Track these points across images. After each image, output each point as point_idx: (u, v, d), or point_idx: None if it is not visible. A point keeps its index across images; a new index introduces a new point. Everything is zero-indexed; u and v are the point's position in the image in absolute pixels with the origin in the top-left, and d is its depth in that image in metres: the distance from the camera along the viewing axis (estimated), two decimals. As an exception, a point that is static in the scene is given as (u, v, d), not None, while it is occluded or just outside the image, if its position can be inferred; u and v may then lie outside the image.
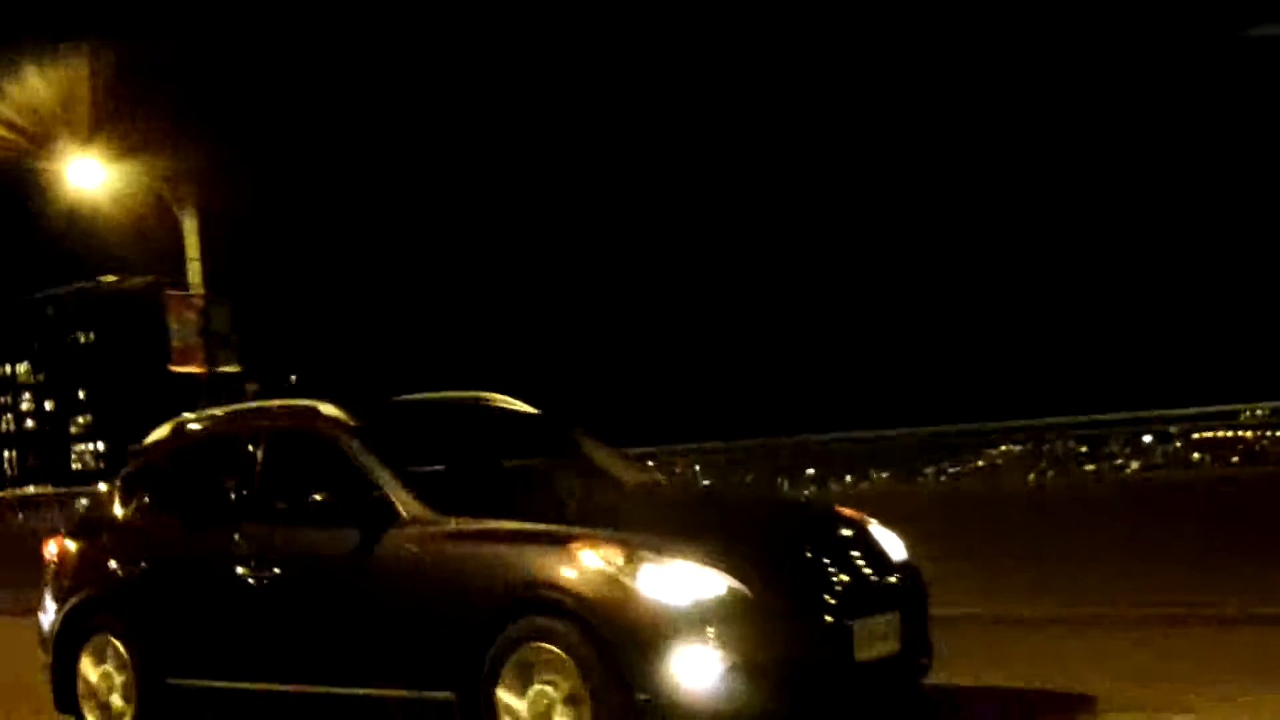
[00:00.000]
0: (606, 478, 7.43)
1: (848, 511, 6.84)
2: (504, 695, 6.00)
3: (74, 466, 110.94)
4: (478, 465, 7.19)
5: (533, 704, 5.93)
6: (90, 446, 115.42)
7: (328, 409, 7.13)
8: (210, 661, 7.12)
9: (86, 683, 7.60)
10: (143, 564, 7.58)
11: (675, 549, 5.90)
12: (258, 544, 7.00)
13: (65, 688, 7.70)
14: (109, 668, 7.55)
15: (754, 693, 5.76)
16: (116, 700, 7.50)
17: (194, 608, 7.26)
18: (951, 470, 31.83)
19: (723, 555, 5.92)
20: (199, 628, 7.21)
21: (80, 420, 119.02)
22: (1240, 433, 30.91)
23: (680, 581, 5.79)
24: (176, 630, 7.29)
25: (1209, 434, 31.25)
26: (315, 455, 6.97)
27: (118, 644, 7.51)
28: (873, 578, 6.32)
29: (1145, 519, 11.80)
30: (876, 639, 6.14)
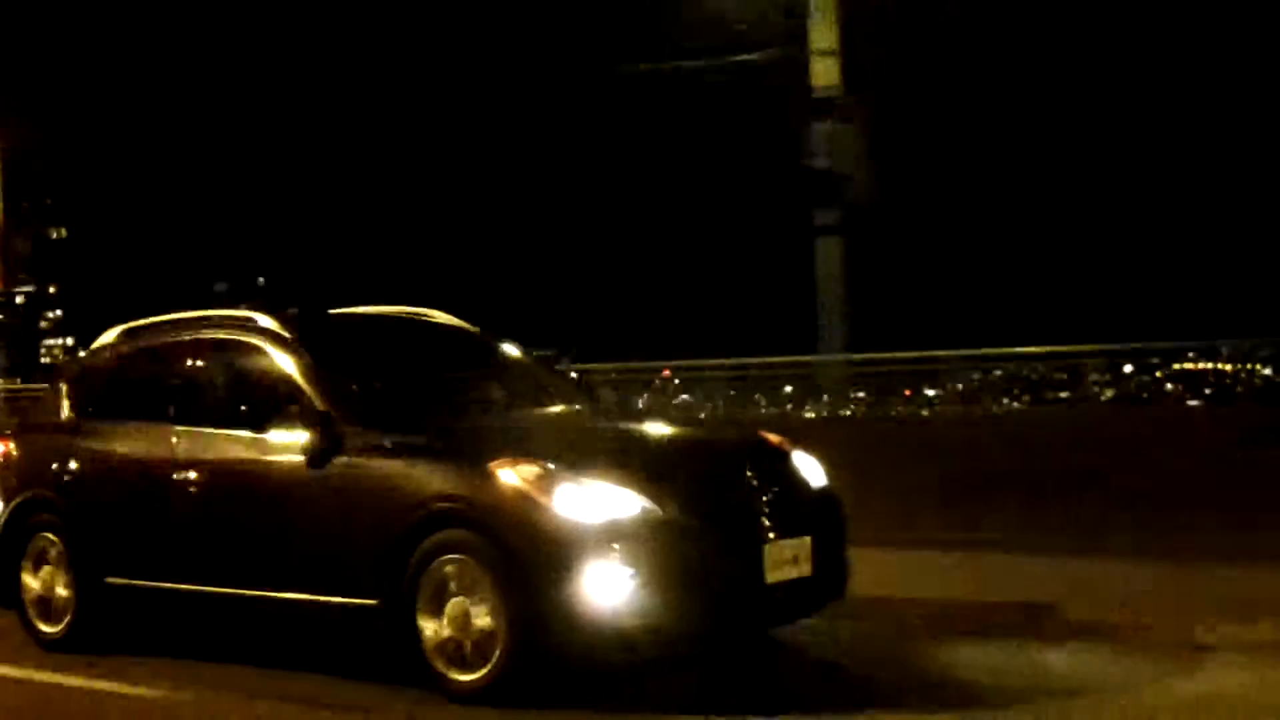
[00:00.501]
0: (536, 396, 7.77)
1: (771, 437, 7.19)
2: (423, 604, 6.36)
3: (43, 361, 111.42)
4: (410, 379, 7.52)
5: (450, 614, 6.29)
6: (60, 341, 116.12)
7: (263, 319, 7.45)
8: (146, 563, 7.48)
9: (29, 580, 7.95)
10: (84, 467, 7.91)
11: (591, 468, 6.25)
12: (193, 450, 7.34)
13: (9, 584, 8.05)
14: (50, 566, 7.90)
15: (664, 610, 6.12)
16: (58, 597, 7.86)
17: (131, 510, 7.61)
18: (931, 394, 32.27)
19: (638, 476, 6.27)
20: (136, 530, 7.56)
21: (50, 315, 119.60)
22: (1221, 365, 31.38)
23: (594, 500, 6.14)
24: (114, 532, 7.65)
25: (1189, 365, 31.71)
26: (250, 364, 7.30)
27: (59, 543, 7.86)
28: (787, 503, 6.67)
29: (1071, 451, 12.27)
30: (787, 562, 6.49)
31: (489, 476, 6.25)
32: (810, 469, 7.03)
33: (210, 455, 7.29)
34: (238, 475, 7.15)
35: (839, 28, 17.45)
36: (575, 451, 6.43)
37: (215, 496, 7.21)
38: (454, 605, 6.30)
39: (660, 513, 6.20)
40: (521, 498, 6.16)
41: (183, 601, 7.37)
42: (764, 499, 6.61)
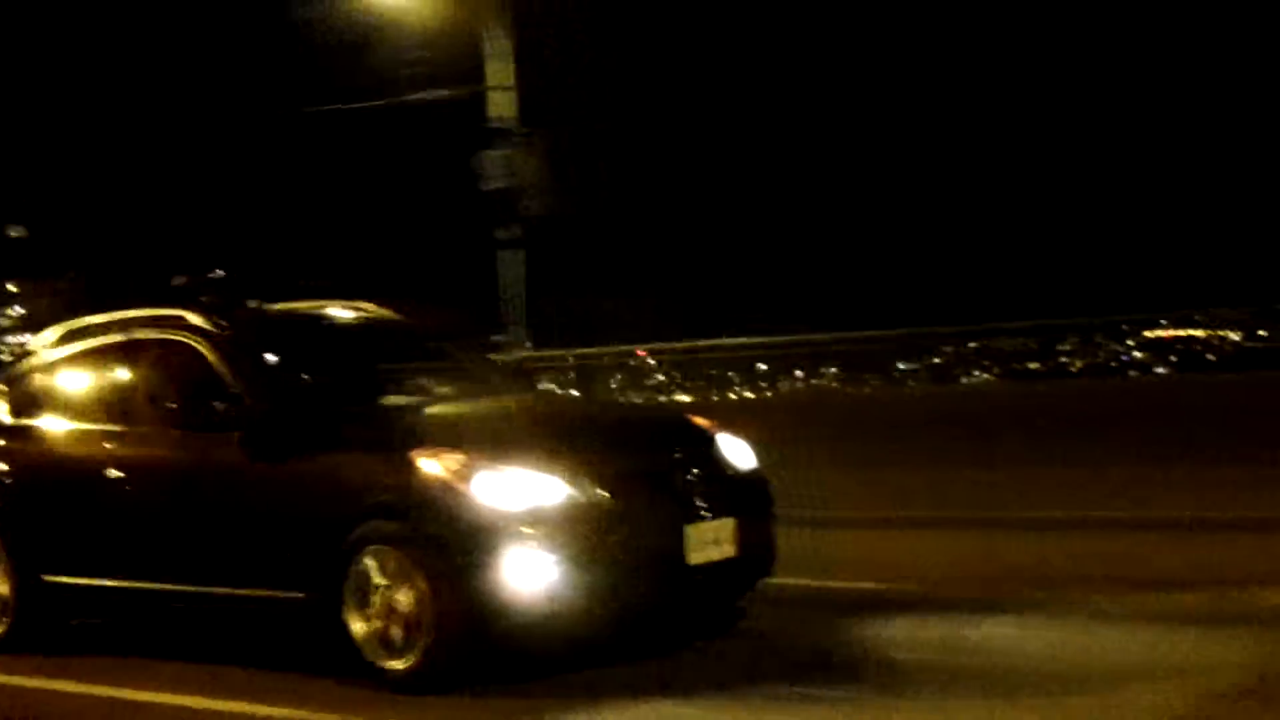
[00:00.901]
0: (468, 387, 7.99)
1: (698, 421, 7.41)
2: (353, 594, 6.58)
3: (3, 358, 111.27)
4: (340, 372, 7.72)
5: (379, 603, 6.51)
6: (22, 339, 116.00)
7: (194, 317, 7.65)
8: (81, 560, 7.69)
9: (-30, 579, 8.14)
10: (22, 467, 8.10)
11: (513, 456, 6.46)
12: (126, 448, 7.55)
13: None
14: (-8, 565, 8.09)
15: (586, 594, 6.36)
16: (0, 596, 8.06)
17: (67, 509, 7.81)
18: (903, 368, 32.61)
19: (561, 461, 6.49)
20: (72, 528, 7.77)
21: (10, 313, 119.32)
22: (1192, 331, 31.70)
23: (515, 487, 6.36)
24: (52, 530, 7.85)
25: (1162, 333, 32.05)
26: (181, 362, 7.50)
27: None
28: (711, 485, 6.89)
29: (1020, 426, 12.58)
30: (710, 544, 6.72)
31: (411, 466, 6.47)
32: (737, 451, 7.26)
33: (143, 452, 7.49)
34: (169, 471, 7.36)
35: (514, 65, 20.57)
36: (499, 439, 6.64)
37: (148, 493, 7.42)
38: (382, 594, 6.51)
39: (582, 497, 6.43)
40: (443, 486, 6.38)
41: (120, 598, 7.58)
42: (687, 481, 6.83)
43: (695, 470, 6.90)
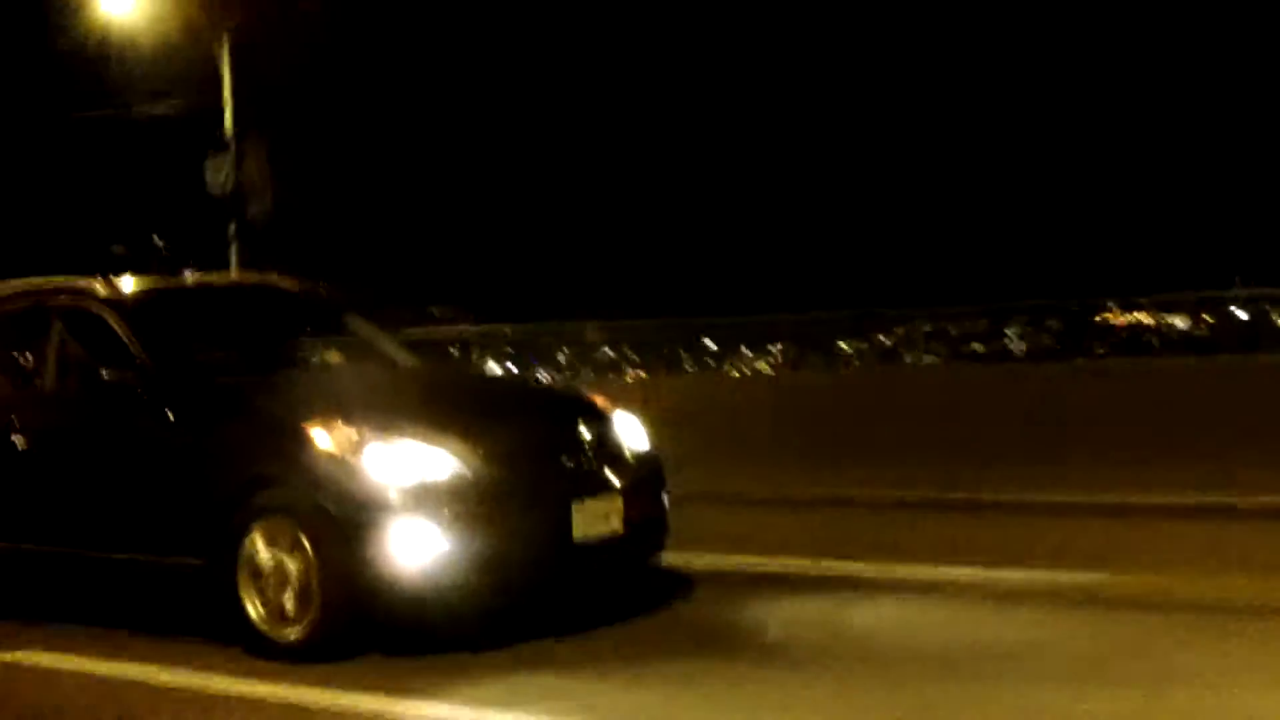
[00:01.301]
0: (367, 360, 8.22)
1: (592, 398, 7.65)
2: (245, 563, 6.80)
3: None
4: (244, 343, 7.93)
5: (271, 572, 6.73)
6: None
7: (102, 287, 7.84)
8: None
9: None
10: None
11: (404, 429, 6.69)
12: (30, 415, 7.74)
13: None
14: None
15: (472, 568, 6.60)
16: None
17: None
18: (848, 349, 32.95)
19: (450, 435, 6.73)
20: None
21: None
22: (1139, 316, 32.10)
23: (404, 461, 6.59)
24: None
25: (1110, 318, 32.44)
26: (87, 331, 7.70)
27: None
28: (599, 462, 7.14)
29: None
30: (597, 520, 6.97)
31: (303, 438, 6.69)
32: (630, 429, 7.50)
33: (47, 419, 7.69)
34: (72, 438, 7.56)
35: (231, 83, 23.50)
36: (391, 412, 6.86)
37: (52, 459, 7.61)
38: (274, 564, 6.73)
39: (469, 472, 6.66)
40: (332, 459, 6.60)
41: (25, 562, 7.77)
42: (576, 457, 7.06)
43: (585, 447, 7.14)
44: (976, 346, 30.54)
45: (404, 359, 8.21)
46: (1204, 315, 29.77)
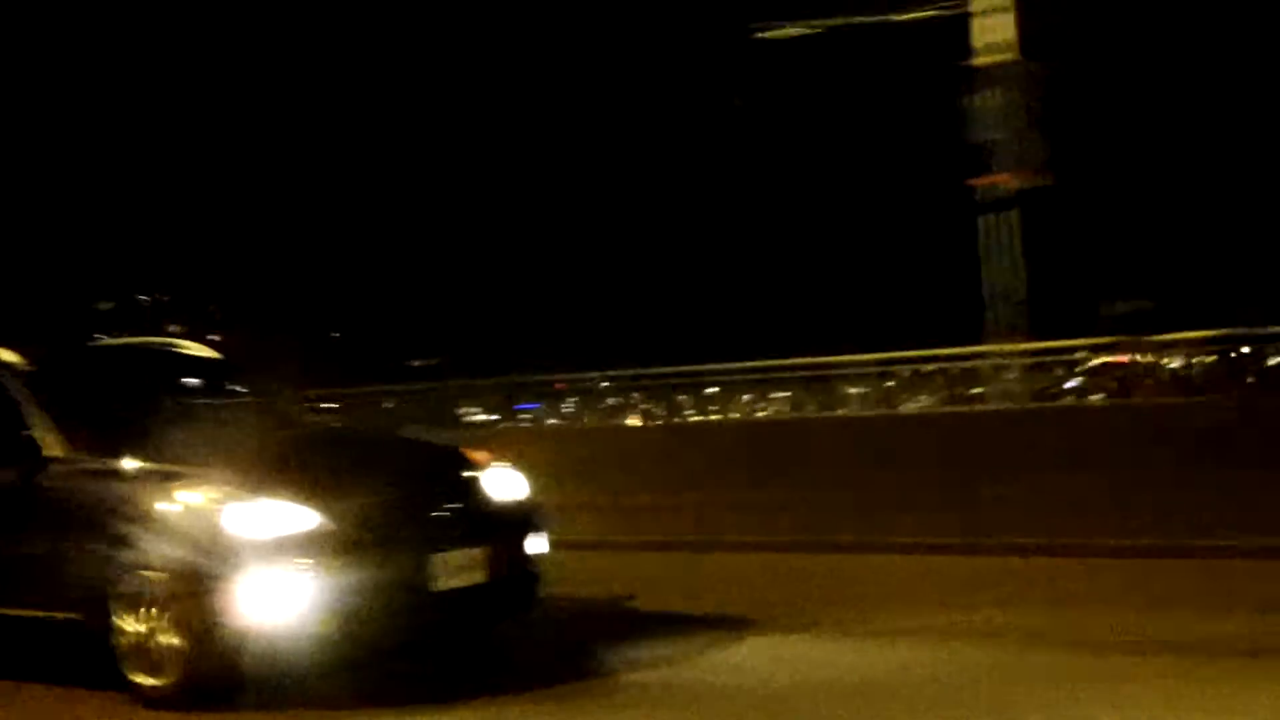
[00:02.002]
0: (249, 419, 8.65)
1: (468, 452, 8.07)
2: (118, 619, 7.24)
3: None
4: (136, 406, 8.38)
5: (142, 625, 7.17)
6: None
7: (5, 354, 8.33)
8: None
9: None
10: None
11: (267, 487, 7.14)
12: None
13: None
14: None
15: (332, 619, 7.02)
16: None
17: None
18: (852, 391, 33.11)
19: (313, 492, 7.18)
20: None
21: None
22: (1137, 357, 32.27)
23: (267, 517, 7.04)
24: None
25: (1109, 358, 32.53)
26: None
27: None
28: (464, 514, 7.57)
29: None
30: (459, 571, 7.37)
31: (172, 498, 7.14)
32: (506, 482, 7.92)
33: None
34: None
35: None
36: (255, 470, 7.31)
37: None
38: (145, 618, 7.17)
39: (329, 526, 7.09)
40: (198, 517, 7.06)
41: None
42: (439, 510, 7.48)
43: (449, 500, 7.56)
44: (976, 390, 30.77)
45: (292, 417, 8.66)
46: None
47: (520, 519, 7.90)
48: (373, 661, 7.38)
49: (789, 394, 31.47)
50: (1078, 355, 29.16)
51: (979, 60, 17.01)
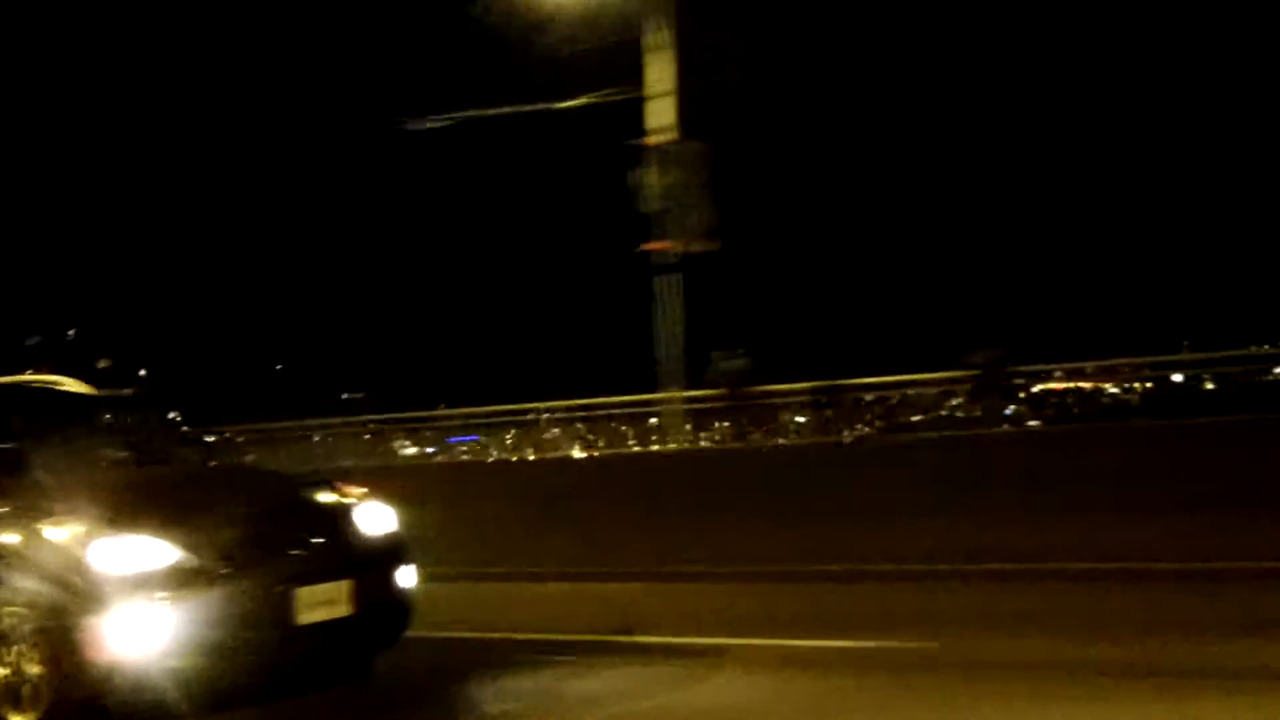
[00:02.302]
0: (131, 455, 8.84)
1: (339, 488, 8.29)
2: (-14, 654, 7.42)
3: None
4: (7, 445, 8.55)
5: (9, 661, 7.35)
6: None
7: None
8: None
9: None
10: None
11: (132, 524, 7.34)
12: None
13: None
14: None
15: (195, 653, 7.22)
16: None
17: None
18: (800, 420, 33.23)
19: (177, 528, 7.38)
20: None
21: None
22: (1081, 384, 32.73)
23: (130, 553, 7.24)
24: None
25: (1054, 385, 33.05)
26: None
27: None
28: (329, 548, 7.77)
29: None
30: (322, 604, 7.58)
31: (37, 534, 7.33)
32: (375, 517, 8.13)
33: None
34: None
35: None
36: (121, 507, 7.51)
37: None
38: (13, 653, 7.35)
39: (194, 562, 7.29)
40: (62, 553, 7.26)
41: None
42: (305, 544, 7.69)
43: (314, 534, 7.77)
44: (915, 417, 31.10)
45: (168, 454, 8.86)
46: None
47: (388, 553, 8.11)
48: (236, 694, 7.57)
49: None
50: (1017, 381, 29.55)
51: (649, 140, 19.12)
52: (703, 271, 20.02)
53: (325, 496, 8.18)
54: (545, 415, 22.71)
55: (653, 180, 19.01)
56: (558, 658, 8.53)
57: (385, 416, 24.56)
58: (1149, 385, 34.47)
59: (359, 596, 7.75)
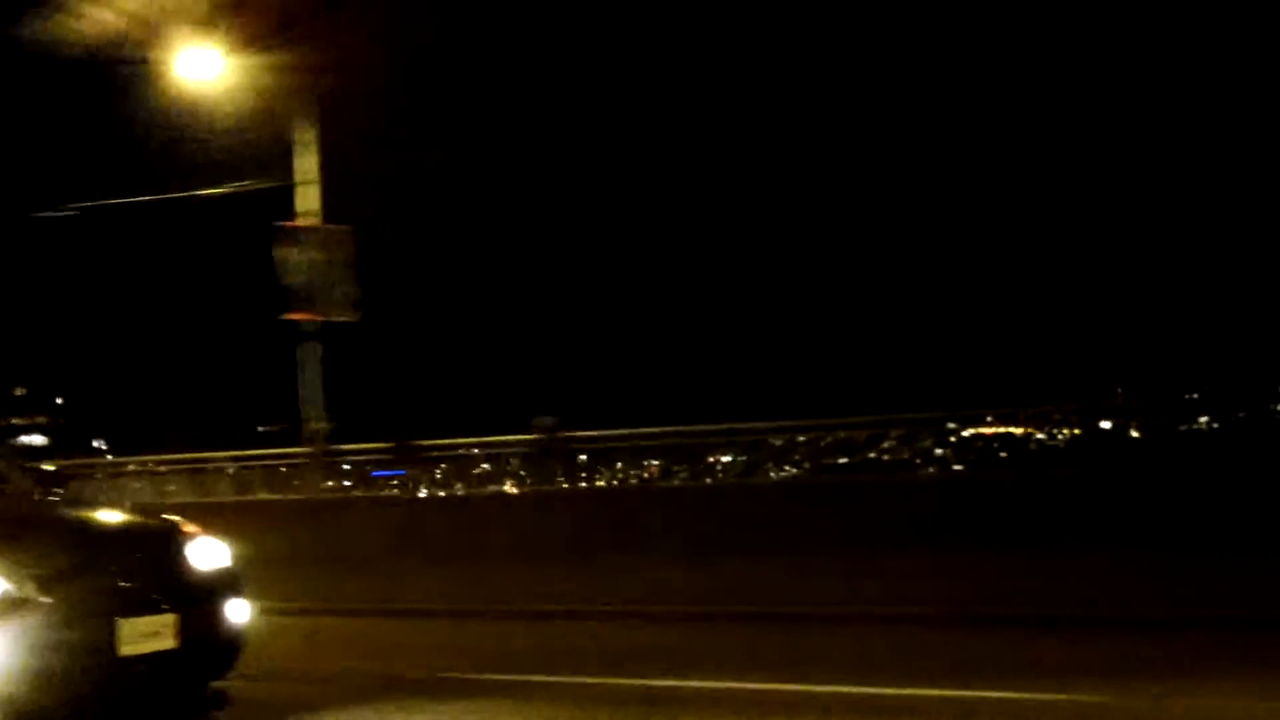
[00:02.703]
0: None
1: (166, 523, 8.60)
2: None
3: None
4: None
5: None
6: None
7: None
8: None
9: None
10: None
11: (-48, 556, 7.61)
12: None
13: None
14: None
15: (15, 682, 7.48)
16: None
17: None
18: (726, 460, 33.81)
19: (1, 558, 7.65)
20: None
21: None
22: (1011, 429, 33.23)
23: (-49, 584, 7.51)
24: None
25: (985, 430, 33.55)
26: None
27: None
28: (155, 583, 8.06)
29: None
30: (146, 637, 7.86)
31: None
32: (206, 552, 8.42)
33: None
34: None
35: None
36: None
37: None
38: None
39: (16, 593, 7.57)
40: None
41: None
42: (129, 578, 7.98)
43: (141, 567, 8.06)
44: (842, 459, 31.67)
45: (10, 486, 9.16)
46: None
47: (218, 587, 8.40)
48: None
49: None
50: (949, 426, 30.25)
51: (296, 221, 22.03)
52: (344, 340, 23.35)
53: (155, 531, 8.48)
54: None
55: (294, 257, 21.53)
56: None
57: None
58: (1077, 431, 35.00)
59: (184, 630, 8.03)
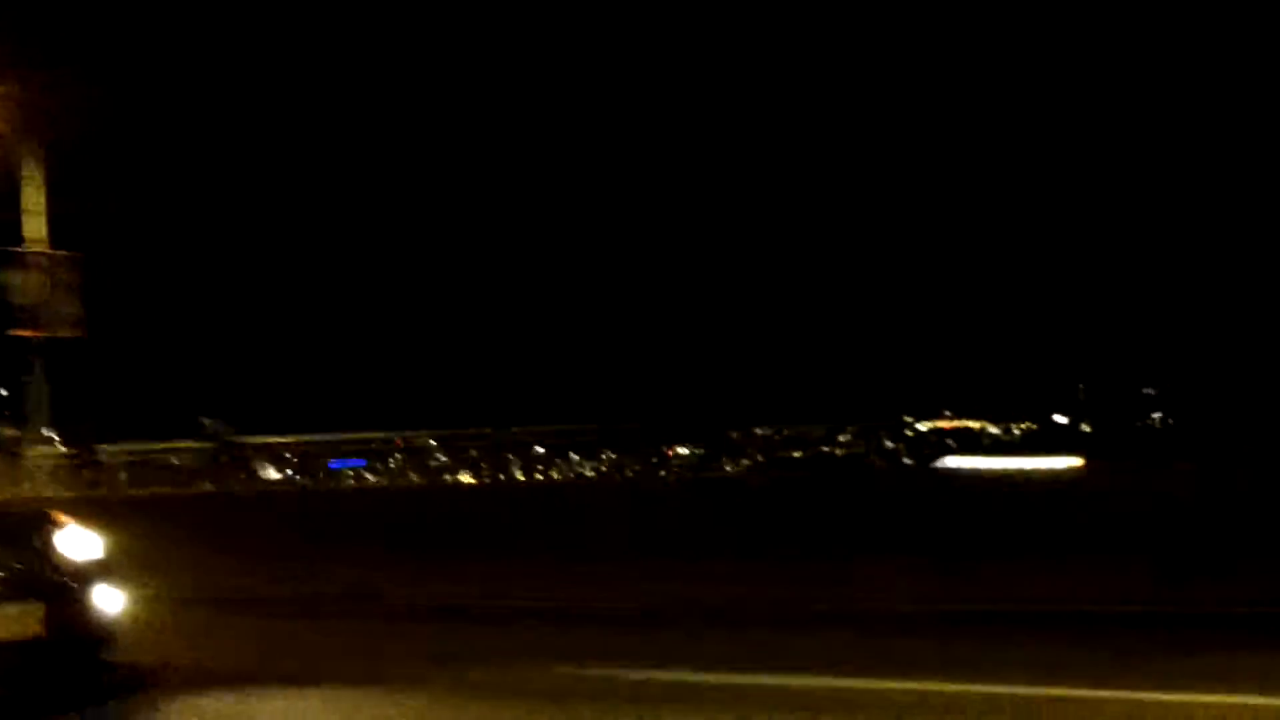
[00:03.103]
0: None
1: (40, 511, 8.63)
2: None
3: None
4: None
5: None
6: None
7: None
8: None
9: None
10: None
11: None
12: None
13: None
14: None
15: None
16: None
17: None
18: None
19: None
20: None
21: None
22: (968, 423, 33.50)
23: None
24: None
25: (942, 424, 33.82)
26: None
27: None
28: (22, 571, 8.10)
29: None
30: (10, 623, 7.90)
31: None
32: (78, 543, 8.46)
33: None
34: None
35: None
36: None
37: None
38: None
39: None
40: None
41: None
42: None
43: (6, 557, 8.09)
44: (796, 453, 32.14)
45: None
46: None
47: (92, 577, 8.43)
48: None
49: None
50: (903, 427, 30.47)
51: (24, 247, 24.64)
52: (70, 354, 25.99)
53: (23, 519, 8.51)
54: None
55: (18, 280, 23.98)
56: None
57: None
58: (1033, 426, 35.24)
59: (51, 619, 8.07)
